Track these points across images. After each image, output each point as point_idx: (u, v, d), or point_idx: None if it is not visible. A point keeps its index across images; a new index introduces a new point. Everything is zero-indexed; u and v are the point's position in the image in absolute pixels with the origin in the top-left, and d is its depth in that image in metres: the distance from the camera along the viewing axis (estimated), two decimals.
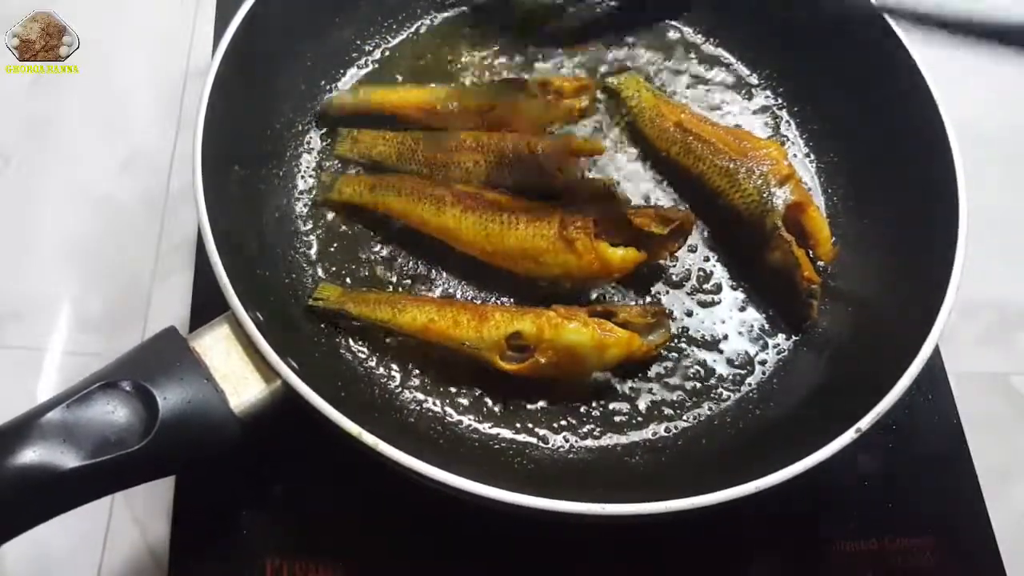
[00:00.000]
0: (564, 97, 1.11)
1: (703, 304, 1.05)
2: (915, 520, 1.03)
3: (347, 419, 0.79)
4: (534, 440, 0.96)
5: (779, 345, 1.03)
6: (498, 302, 1.03)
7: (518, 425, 0.97)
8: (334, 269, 1.05)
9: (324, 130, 1.14)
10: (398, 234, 1.07)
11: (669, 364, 1.01)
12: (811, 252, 1.02)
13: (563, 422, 0.97)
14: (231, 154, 0.99)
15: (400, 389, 0.98)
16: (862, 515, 1.03)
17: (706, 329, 1.04)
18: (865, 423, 0.81)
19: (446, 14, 1.24)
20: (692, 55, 1.23)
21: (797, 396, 0.98)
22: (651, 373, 1.01)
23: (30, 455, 0.72)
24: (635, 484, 0.93)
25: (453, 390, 0.98)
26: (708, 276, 1.06)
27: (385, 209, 1.05)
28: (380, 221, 1.07)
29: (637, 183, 1.13)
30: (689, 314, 1.04)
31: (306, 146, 1.13)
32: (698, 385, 1.01)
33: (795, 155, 1.16)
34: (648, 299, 1.05)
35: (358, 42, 1.20)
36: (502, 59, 1.21)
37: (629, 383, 1.00)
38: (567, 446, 0.96)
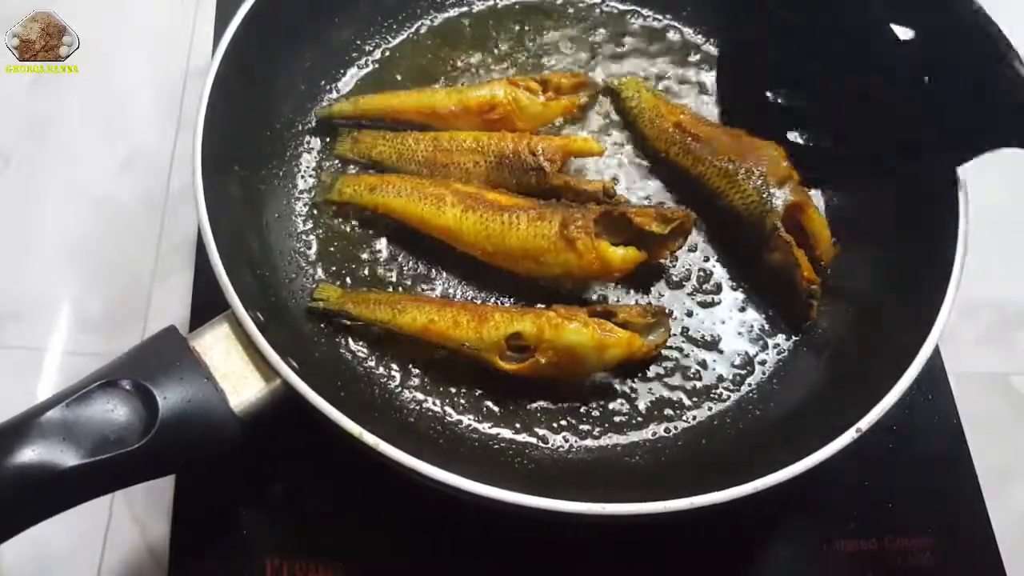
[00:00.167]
0: (563, 93, 1.11)
1: (703, 304, 1.05)
2: (915, 520, 1.03)
3: (348, 419, 0.79)
4: (534, 440, 0.96)
5: (779, 345, 1.03)
6: (498, 302, 1.04)
7: (518, 425, 0.97)
8: (334, 269, 1.05)
9: (324, 130, 1.14)
10: (398, 234, 1.07)
11: (669, 364, 1.01)
12: (811, 252, 1.02)
13: (563, 422, 0.97)
14: (231, 154, 1.00)
15: (400, 389, 0.98)
16: (862, 515, 1.03)
17: (706, 329, 1.04)
18: (865, 423, 0.81)
19: (446, 14, 1.24)
20: (692, 55, 1.23)
21: (797, 396, 0.98)
22: (651, 373, 1.01)
23: (30, 454, 0.72)
24: (635, 484, 0.93)
25: (453, 390, 0.98)
26: (708, 276, 1.06)
27: (385, 209, 1.05)
28: (380, 221, 1.07)
29: (637, 183, 1.13)
30: (689, 314, 1.04)
31: (306, 146, 1.13)
32: (698, 385, 1.01)
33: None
34: (648, 299, 1.05)
35: (358, 42, 1.20)
36: (502, 60, 1.21)
37: (629, 383, 1.00)
38: (567, 446, 0.96)
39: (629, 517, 0.77)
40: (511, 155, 1.05)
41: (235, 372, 0.83)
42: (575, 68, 1.21)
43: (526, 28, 1.24)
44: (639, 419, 0.98)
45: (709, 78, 1.21)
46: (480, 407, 0.98)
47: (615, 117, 1.18)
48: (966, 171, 0.94)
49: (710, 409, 1.00)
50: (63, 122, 1.27)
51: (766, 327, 1.04)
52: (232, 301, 0.84)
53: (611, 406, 0.99)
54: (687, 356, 1.02)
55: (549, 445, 0.96)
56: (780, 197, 1.01)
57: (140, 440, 0.75)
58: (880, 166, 1.06)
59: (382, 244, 1.07)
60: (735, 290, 1.06)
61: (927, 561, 1.01)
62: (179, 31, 1.35)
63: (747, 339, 1.03)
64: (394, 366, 0.99)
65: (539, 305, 1.00)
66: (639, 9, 1.26)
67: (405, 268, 1.05)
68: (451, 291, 1.04)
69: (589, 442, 0.97)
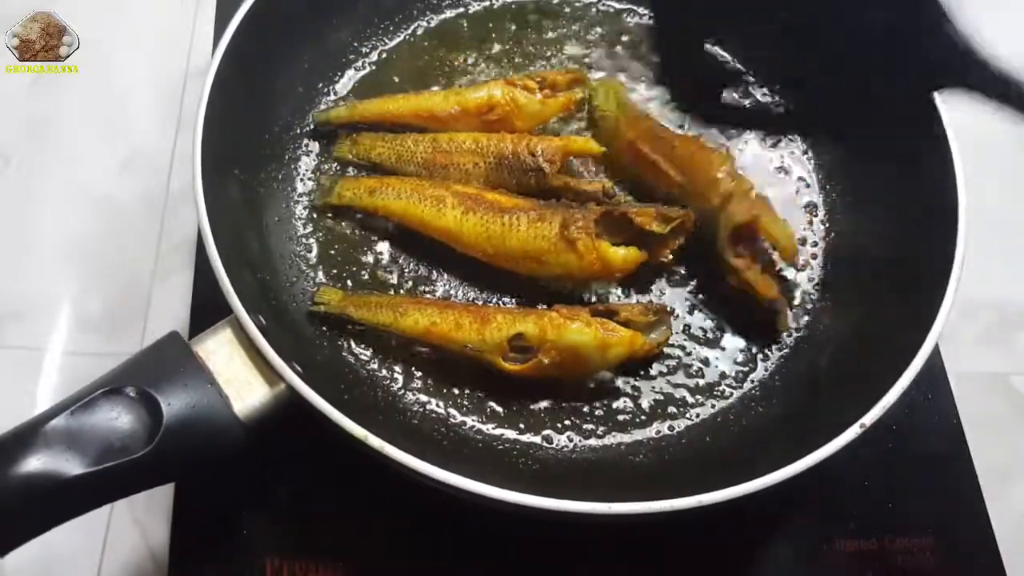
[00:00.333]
0: (559, 90, 1.11)
1: (704, 302, 1.05)
2: (915, 520, 1.03)
3: (353, 423, 0.79)
4: (538, 440, 0.96)
5: (781, 342, 1.03)
6: (499, 303, 1.04)
7: (522, 425, 0.97)
8: (335, 272, 1.05)
9: (322, 133, 1.14)
10: (398, 236, 1.07)
11: (672, 362, 1.02)
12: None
13: (567, 422, 0.97)
14: (230, 155, 0.99)
15: (403, 391, 0.98)
16: (862, 515, 1.03)
17: (708, 327, 1.04)
18: (869, 418, 0.82)
19: (443, 15, 1.24)
20: None
21: (800, 393, 0.99)
22: (654, 371, 1.01)
23: (34, 463, 0.72)
24: (640, 483, 0.94)
25: (456, 391, 0.98)
26: (708, 274, 1.06)
27: (385, 212, 1.05)
28: (380, 223, 1.07)
29: (636, 183, 1.12)
30: (691, 312, 1.04)
31: (304, 149, 1.13)
32: (700, 383, 1.01)
33: (793, 152, 1.16)
34: (649, 298, 1.05)
35: (355, 44, 1.20)
36: (499, 60, 1.21)
37: (632, 382, 1.00)
38: (571, 446, 0.96)
39: (636, 516, 0.77)
40: (510, 156, 1.05)
41: (239, 377, 0.83)
42: (572, 67, 1.20)
43: (523, 28, 1.24)
44: (642, 417, 0.98)
45: None
46: (484, 408, 0.98)
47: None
48: (966, 171, 0.94)
49: (713, 406, 1.00)
50: (63, 122, 1.27)
51: (768, 325, 1.04)
52: (233, 303, 0.84)
53: (614, 405, 0.99)
54: (689, 354, 1.02)
55: (553, 445, 0.96)
56: (724, 222, 0.99)
57: (145, 447, 0.75)
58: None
59: (382, 246, 1.07)
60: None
61: (927, 561, 1.01)
62: (179, 31, 1.35)
63: (749, 336, 1.04)
64: (397, 368, 0.99)
65: (540, 306, 1.00)
66: (635, 8, 1.26)
67: (406, 270, 1.05)
68: (452, 292, 1.04)
69: (593, 441, 0.97)
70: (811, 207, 1.12)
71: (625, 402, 0.99)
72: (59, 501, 0.74)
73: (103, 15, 1.35)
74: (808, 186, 1.13)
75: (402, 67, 1.20)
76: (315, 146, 1.13)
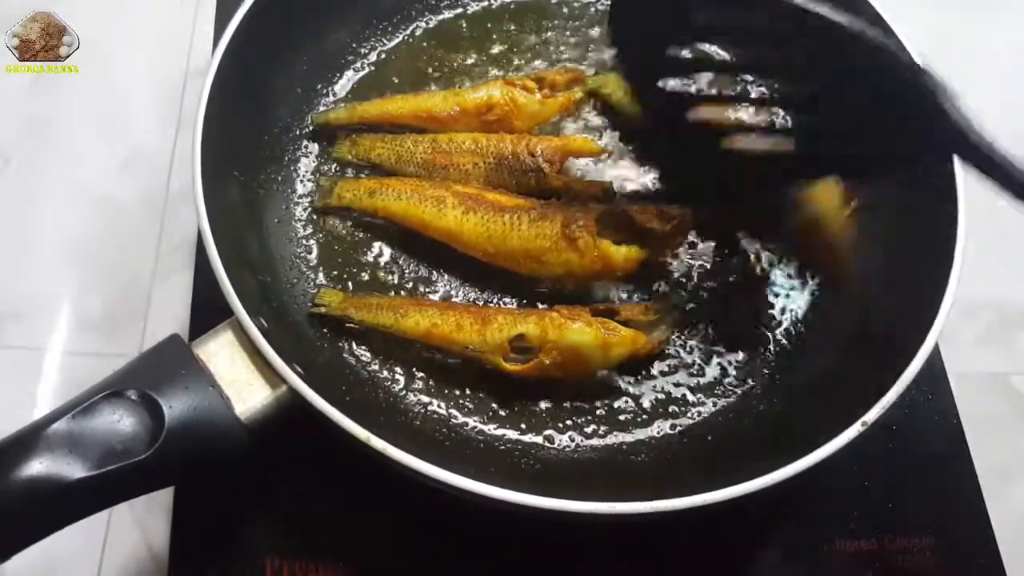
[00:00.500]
0: (558, 90, 1.11)
1: (705, 302, 1.05)
2: (915, 520, 1.03)
3: (355, 424, 0.79)
4: (540, 440, 0.96)
5: (781, 341, 1.03)
6: (500, 303, 1.04)
7: (523, 426, 0.97)
8: (335, 273, 1.05)
9: (321, 134, 1.14)
10: (399, 237, 1.06)
11: (673, 362, 1.02)
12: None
13: (568, 422, 0.97)
14: (230, 156, 0.99)
15: (404, 392, 0.98)
16: (862, 515, 1.03)
17: (708, 326, 1.04)
18: (871, 416, 0.82)
19: (441, 16, 1.24)
20: None
21: (801, 392, 0.99)
22: (655, 371, 1.01)
23: (37, 466, 0.71)
24: (642, 482, 0.94)
25: (457, 392, 0.98)
26: (709, 273, 1.06)
27: (385, 213, 1.04)
28: (380, 224, 1.07)
29: (636, 183, 1.12)
30: (691, 311, 1.04)
31: (304, 150, 1.12)
32: (702, 381, 1.01)
33: None
34: (650, 296, 1.05)
35: (353, 45, 1.19)
36: (498, 60, 1.21)
37: (633, 381, 1.00)
38: (573, 445, 0.97)
39: (637, 516, 0.77)
40: (510, 156, 1.05)
41: (240, 379, 0.83)
42: (571, 67, 1.20)
43: (522, 28, 1.24)
44: (644, 417, 0.98)
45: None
46: (485, 409, 0.98)
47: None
48: (966, 171, 0.94)
49: (714, 405, 1.00)
50: (63, 122, 1.27)
51: (768, 323, 1.04)
52: (234, 305, 0.84)
53: (616, 405, 0.99)
54: (690, 353, 1.02)
55: (555, 445, 0.96)
56: None
57: (147, 450, 0.75)
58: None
59: (383, 247, 1.07)
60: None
61: (927, 561, 1.01)
62: (179, 31, 1.35)
63: (750, 335, 1.04)
64: (398, 369, 0.99)
65: (541, 306, 1.00)
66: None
67: (406, 271, 1.05)
68: (453, 293, 1.04)
69: (595, 441, 0.97)
70: None
71: (626, 402, 0.99)
72: (61, 505, 0.73)
73: (103, 15, 1.34)
74: None
75: (401, 68, 1.20)
76: (314, 147, 1.13)
